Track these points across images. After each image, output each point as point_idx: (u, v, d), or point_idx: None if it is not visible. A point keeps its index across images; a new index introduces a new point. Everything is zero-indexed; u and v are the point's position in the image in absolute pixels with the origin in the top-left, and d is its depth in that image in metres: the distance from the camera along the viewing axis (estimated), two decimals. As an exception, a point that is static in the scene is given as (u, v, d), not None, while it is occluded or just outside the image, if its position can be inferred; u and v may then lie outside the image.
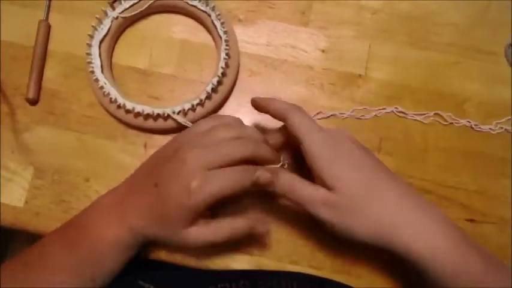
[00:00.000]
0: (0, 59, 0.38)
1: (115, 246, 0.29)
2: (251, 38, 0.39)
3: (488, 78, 0.38)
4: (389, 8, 0.39)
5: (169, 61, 0.38)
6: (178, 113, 0.34)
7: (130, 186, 0.32)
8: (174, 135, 0.36)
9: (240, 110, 0.37)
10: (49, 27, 0.38)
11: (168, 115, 0.34)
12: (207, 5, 0.36)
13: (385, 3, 0.39)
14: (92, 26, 0.36)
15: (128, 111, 0.34)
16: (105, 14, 0.36)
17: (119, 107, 0.35)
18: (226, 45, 0.35)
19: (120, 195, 0.31)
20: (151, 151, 0.36)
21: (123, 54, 0.38)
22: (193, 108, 0.35)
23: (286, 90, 0.37)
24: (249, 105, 0.37)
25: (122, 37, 0.38)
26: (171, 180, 0.29)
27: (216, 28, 0.36)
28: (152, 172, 0.31)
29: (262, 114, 0.35)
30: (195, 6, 0.37)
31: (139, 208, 0.30)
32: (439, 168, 0.36)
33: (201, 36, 0.39)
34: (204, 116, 0.36)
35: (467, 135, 0.37)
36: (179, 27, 0.39)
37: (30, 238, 0.34)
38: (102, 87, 0.34)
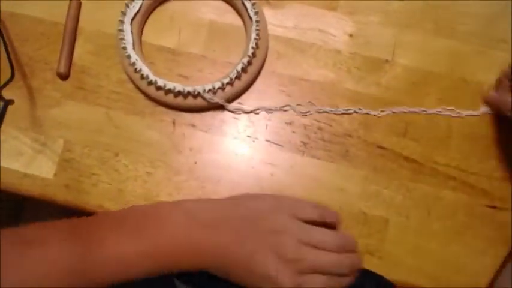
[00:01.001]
0: (30, 35, 0.39)
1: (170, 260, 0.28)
2: (279, 21, 0.39)
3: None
4: (416, -5, 0.40)
5: (198, 41, 0.38)
6: (208, 92, 0.35)
7: (215, 219, 0.30)
8: (203, 113, 0.37)
9: (267, 90, 0.37)
10: (80, 4, 0.39)
11: (199, 93, 0.35)
12: (238, -14, 0.37)
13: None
14: (125, 4, 0.36)
15: (158, 88, 0.35)
16: (138, -8, 0.37)
17: (150, 83, 0.35)
18: (257, 26, 0.36)
19: (202, 220, 0.29)
20: (180, 129, 0.36)
21: (152, 34, 0.38)
22: (223, 87, 0.35)
23: (313, 73, 0.38)
24: (276, 86, 0.38)
25: (152, 16, 0.39)
26: (266, 255, 0.28)
27: (246, 9, 0.36)
28: (247, 223, 0.30)
29: (291, 95, 0.36)
30: (225, -13, 0.37)
31: (218, 248, 0.29)
32: (463, 154, 0.37)
33: (229, 17, 0.39)
34: (234, 95, 0.36)
35: (491, 123, 0.37)
36: (208, 8, 0.39)
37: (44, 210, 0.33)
38: (134, 64, 0.35)
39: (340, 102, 0.37)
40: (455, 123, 0.37)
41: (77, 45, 0.38)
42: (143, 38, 0.38)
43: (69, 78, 0.38)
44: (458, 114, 0.37)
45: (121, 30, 0.36)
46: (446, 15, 0.39)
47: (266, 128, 0.37)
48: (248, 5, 0.36)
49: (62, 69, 0.37)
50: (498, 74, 0.37)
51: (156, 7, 0.39)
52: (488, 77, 0.38)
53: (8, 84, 0.34)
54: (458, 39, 0.39)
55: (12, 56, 0.36)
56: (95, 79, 0.38)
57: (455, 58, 0.39)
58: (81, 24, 0.39)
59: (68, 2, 0.38)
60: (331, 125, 0.37)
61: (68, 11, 0.38)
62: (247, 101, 0.37)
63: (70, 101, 0.37)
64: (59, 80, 0.37)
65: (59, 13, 0.38)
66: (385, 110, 0.37)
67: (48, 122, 0.37)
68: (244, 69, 0.35)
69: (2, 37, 0.36)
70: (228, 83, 0.35)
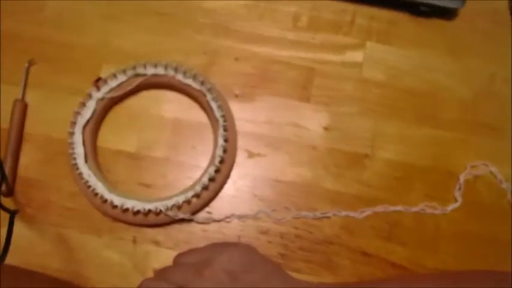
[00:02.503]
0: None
1: None
2: (249, 116, 0.36)
3: (494, 155, 0.36)
4: (393, 82, 0.37)
5: (160, 143, 0.35)
6: (172, 208, 0.31)
7: None
8: (168, 227, 0.33)
9: (238, 195, 0.34)
10: (26, 106, 0.35)
11: (161, 211, 0.31)
12: (202, 84, 0.34)
13: (389, 77, 0.37)
14: (75, 112, 0.32)
15: (115, 207, 0.31)
16: (89, 96, 0.33)
17: (105, 201, 0.31)
18: (224, 130, 0.33)
19: None
20: (141, 247, 0.32)
21: (109, 137, 0.35)
22: (188, 201, 0.32)
23: (288, 173, 0.35)
24: (249, 189, 0.34)
25: (108, 116, 0.35)
26: None
27: (212, 110, 0.33)
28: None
29: (265, 199, 0.33)
30: (189, 85, 0.34)
31: None
32: (452, 255, 0.33)
33: (194, 114, 0.36)
34: (202, 206, 0.33)
35: (480, 218, 0.35)
36: (171, 105, 0.36)
37: None
38: (86, 181, 0.31)
39: (318, 204, 0.34)
40: (442, 221, 0.35)
41: (23, 154, 0.34)
42: (99, 143, 0.34)
43: (14, 195, 0.33)
44: (443, 211, 0.35)
45: (71, 143, 0.32)
46: (427, 102, 0.37)
47: (239, 239, 0.33)
48: (214, 106, 0.33)
49: (5, 187, 0.33)
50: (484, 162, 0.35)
51: (112, 106, 0.35)
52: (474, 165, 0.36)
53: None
54: (441, 127, 0.36)
55: None
56: (45, 193, 0.33)
57: (440, 148, 0.36)
58: (28, 128, 0.35)
59: (10, 104, 0.34)
60: (310, 232, 0.33)
61: (12, 114, 0.35)
62: (217, 208, 0.34)
63: (16, 222, 0.33)
64: (2, 198, 0.33)
65: (2, 116, 0.34)
66: (365, 210, 0.34)
67: (-10, 246, 0.32)
68: (211, 179, 0.32)
69: None
70: (194, 196, 0.32)
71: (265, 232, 0.33)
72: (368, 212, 0.34)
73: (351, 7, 0.40)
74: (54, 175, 0.34)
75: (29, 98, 0.35)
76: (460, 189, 0.35)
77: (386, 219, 0.34)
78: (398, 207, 0.34)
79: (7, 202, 0.33)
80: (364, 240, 0.34)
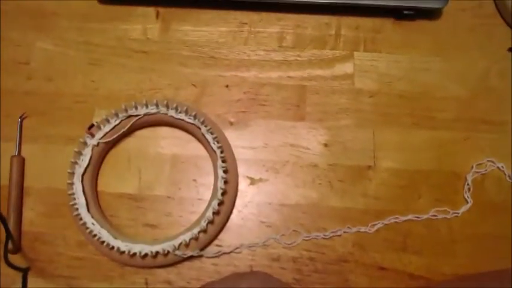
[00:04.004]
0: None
1: None
2: (246, 142, 0.36)
3: (499, 151, 0.35)
4: (386, 89, 0.37)
5: (161, 180, 0.34)
6: (179, 247, 0.31)
7: None
8: (179, 265, 0.32)
9: (246, 224, 0.34)
10: (23, 161, 0.35)
11: (169, 251, 0.31)
12: (195, 118, 0.34)
13: (381, 85, 0.37)
14: (72, 162, 0.32)
15: (122, 253, 0.31)
16: (84, 143, 0.33)
17: (112, 248, 0.31)
18: (223, 161, 0.32)
19: None
20: (154, 290, 0.32)
21: (109, 181, 0.34)
22: (195, 237, 0.31)
23: (292, 196, 0.34)
24: (255, 217, 0.34)
25: (105, 161, 0.35)
26: None
27: (208, 142, 0.33)
28: None
29: (272, 225, 0.32)
30: (182, 120, 0.34)
31: None
32: (470, 258, 0.33)
33: (191, 147, 0.35)
34: (209, 241, 0.32)
35: (493, 217, 0.34)
36: (166, 141, 0.35)
37: None
38: (91, 231, 0.31)
39: (327, 223, 0.33)
40: (455, 224, 0.34)
41: (25, 208, 0.34)
42: (100, 188, 0.34)
43: (21, 251, 0.33)
44: (455, 214, 0.34)
45: (71, 194, 0.32)
46: (422, 104, 0.37)
47: (251, 269, 0.33)
48: (210, 138, 0.33)
49: (11, 244, 0.33)
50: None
51: (109, 150, 0.35)
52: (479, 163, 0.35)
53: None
54: (440, 128, 0.36)
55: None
56: (52, 245, 0.33)
57: (442, 150, 0.35)
58: (27, 183, 0.35)
59: (8, 160, 0.34)
60: (322, 253, 0.33)
61: (11, 170, 0.35)
62: (226, 239, 0.33)
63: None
64: (10, 256, 0.33)
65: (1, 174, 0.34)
66: (375, 223, 0.34)
67: (3, 308, 0.32)
68: (216, 212, 0.32)
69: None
70: (200, 232, 0.31)
71: (276, 259, 0.33)
72: (378, 225, 0.33)
73: (334, 20, 0.40)
74: (59, 226, 0.33)
75: (25, 152, 0.35)
76: (469, 189, 0.34)
77: (398, 230, 0.34)
78: (409, 216, 0.34)
79: (16, 258, 0.33)
80: (379, 254, 0.33)
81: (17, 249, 0.33)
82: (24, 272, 0.31)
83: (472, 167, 0.34)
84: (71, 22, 0.40)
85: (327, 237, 0.33)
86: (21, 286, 0.31)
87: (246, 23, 0.39)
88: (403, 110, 0.36)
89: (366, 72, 0.38)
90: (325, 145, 0.35)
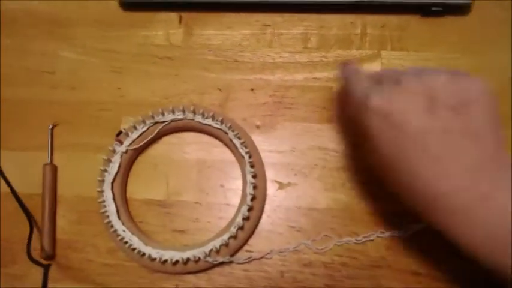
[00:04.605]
0: (0, 214, 0.35)
1: None
2: (273, 146, 0.35)
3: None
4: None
5: (188, 186, 0.34)
6: (210, 253, 0.31)
7: None
8: (209, 271, 0.32)
9: (276, 229, 0.33)
10: (55, 169, 0.35)
11: (199, 258, 0.30)
12: (222, 123, 0.33)
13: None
14: (101, 170, 0.33)
15: (153, 259, 0.31)
16: (113, 151, 0.33)
17: (143, 255, 0.31)
18: (251, 166, 0.32)
19: None
20: (185, 296, 0.32)
21: (138, 188, 0.35)
22: (226, 244, 0.31)
23: (322, 200, 0.33)
24: (284, 222, 0.33)
25: (134, 168, 0.35)
26: None
27: (236, 147, 0.33)
28: None
29: (302, 230, 0.32)
30: (209, 125, 0.34)
31: None
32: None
33: (217, 152, 0.35)
34: (240, 246, 0.32)
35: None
36: (193, 147, 0.35)
37: None
38: (122, 237, 0.31)
39: (359, 227, 0.33)
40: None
41: (58, 217, 0.35)
42: (128, 195, 0.34)
43: (55, 258, 0.34)
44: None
45: (102, 201, 0.32)
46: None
47: (282, 276, 0.32)
48: (237, 143, 0.32)
49: (47, 249, 0.33)
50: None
51: (137, 157, 0.35)
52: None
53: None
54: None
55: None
56: (82, 253, 0.33)
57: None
58: (58, 191, 0.35)
59: (40, 168, 0.35)
60: (355, 258, 0.32)
61: (44, 178, 0.35)
62: (256, 245, 0.33)
63: (58, 285, 0.33)
64: (43, 263, 0.33)
65: (31, 182, 0.35)
66: (410, 226, 0.33)
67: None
68: (245, 218, 0.31)
69: None
70: (230, 238, 0.31)
71: (307, 264, 0.32)
72: (414, 228, 0.33)
73: (359, 18, 0.39)
74: (90, 234, 0.34)
75: (56, 161, 0.36)
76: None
77: (432, 233, 0.33)
78: (443, 219, 0.33)
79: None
80: (413, 259, 0.32)
81: (51, 257, 0.33)
82: (46, 269, 0.32)
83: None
84: (93, 30, 0.40)
85: (359, 241, 0.32)
86: (41, 283, 0.32)
87: (269, 25, 0.39)
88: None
89: (394, 71, 0.37)
90: (354, 146, 0.35)
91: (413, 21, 0.39)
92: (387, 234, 0.32)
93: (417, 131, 0.23)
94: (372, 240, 0.32)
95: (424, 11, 0.38)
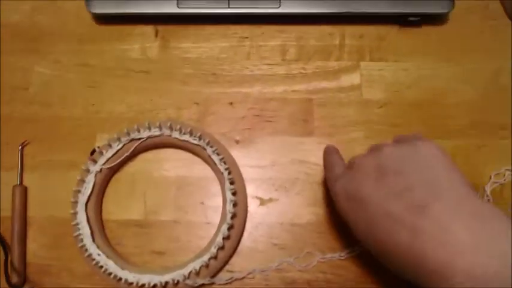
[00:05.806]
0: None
1: None
2: (253, 161, 0.34)
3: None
4: (396, 98, 0.36)
5: (167, 205, 0.33)
6: (189, 276, 0.30)
7: None
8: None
9: (258, 247, 0.32)
10: (25, 190, 0.34)
11: (178, 281, 0.29)
12: (200, 139, 0.32)
13: (390, 94, 0.36)
14: (74, 191, 0.31)
15: (130, 284, 0.30)
16: (87, 171, 0.32)
17: (119, 280, 0.30)
18: (231, 183, 0.31)
19: None
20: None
21: (114, 208, 0.33)
22: (206, 265, 0.30)
23: (304, 214, 0.33)
24: (266, 239, 0.32)
25: (109, 187, 0.34)
26: None
27: (215, 163, 0.32)
28: None
29: (285, 247, 0.31)
30: (187, 141, 0.33)
31: None
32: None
33: (196, 169, 0.34)
34: (220, 266, 0.31)
35: None
36: (171, 164, 0.34)
37: None
38: (97, 262, 0.30)
39: (342, 242, 0.32)
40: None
41: (29, 240, 0.33)
42: (104, 216, 0.33)
43: (25, 283, 0.32)
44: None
45: (76, 224, 0.30)
46: (434, 112, 0.36)
47: (265, 295, 0.31)
48: (216, 159, 0.32)
49: (16, 279, 0.31)
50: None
51: (112, 176, 0.34)
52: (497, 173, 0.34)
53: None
54: (454, 136, 0.35)
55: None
56: (57, 278, 0.32)
57: (457, 159, 0.34)
58: (29, 213, 0.33)
59: (9, 190, 0.33)
60: (339, 274, 0.31)
61: (13, 200, 0.33)
62: (237, 264, 0.32)
63: (31, 314, 0.32)
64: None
65: (2, 205, 0.33)
66: (394, 239, 0.32)
67: None
68: (226, 237, 0.30)
69: None
70: (211, 258, 0.30)
71: (291, 283, 0.31)
72: (395, 241, 0.32)
73: (337, 29, 0.38)
74: (64, 257, 0.32)
75: (27, 181, 0.34)
76: (489, 201, 0.33)
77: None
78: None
79: None
80: (397, 272, 0.32)
81: (23, 282, 0.32)
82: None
83: (491, 177, 0.33)
84: (68, 44, 0.39)
85: (342, 257, 0.32)
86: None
87: (246, 37, 0.38)
88: (413, 119, 0.35)
89: (374, 82, 0.37)
90: (336, 160, 0.34)
91: (391, 32, 0.39)
92: (371, 248, 0.32)
93: (373, 199, 0.24)
94: (356, 254, 0.32)
95: (402, 21, 0.38)
